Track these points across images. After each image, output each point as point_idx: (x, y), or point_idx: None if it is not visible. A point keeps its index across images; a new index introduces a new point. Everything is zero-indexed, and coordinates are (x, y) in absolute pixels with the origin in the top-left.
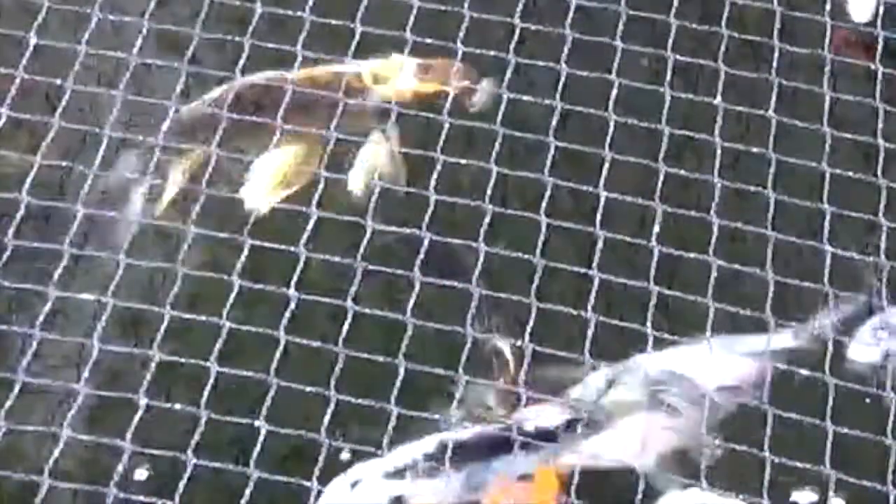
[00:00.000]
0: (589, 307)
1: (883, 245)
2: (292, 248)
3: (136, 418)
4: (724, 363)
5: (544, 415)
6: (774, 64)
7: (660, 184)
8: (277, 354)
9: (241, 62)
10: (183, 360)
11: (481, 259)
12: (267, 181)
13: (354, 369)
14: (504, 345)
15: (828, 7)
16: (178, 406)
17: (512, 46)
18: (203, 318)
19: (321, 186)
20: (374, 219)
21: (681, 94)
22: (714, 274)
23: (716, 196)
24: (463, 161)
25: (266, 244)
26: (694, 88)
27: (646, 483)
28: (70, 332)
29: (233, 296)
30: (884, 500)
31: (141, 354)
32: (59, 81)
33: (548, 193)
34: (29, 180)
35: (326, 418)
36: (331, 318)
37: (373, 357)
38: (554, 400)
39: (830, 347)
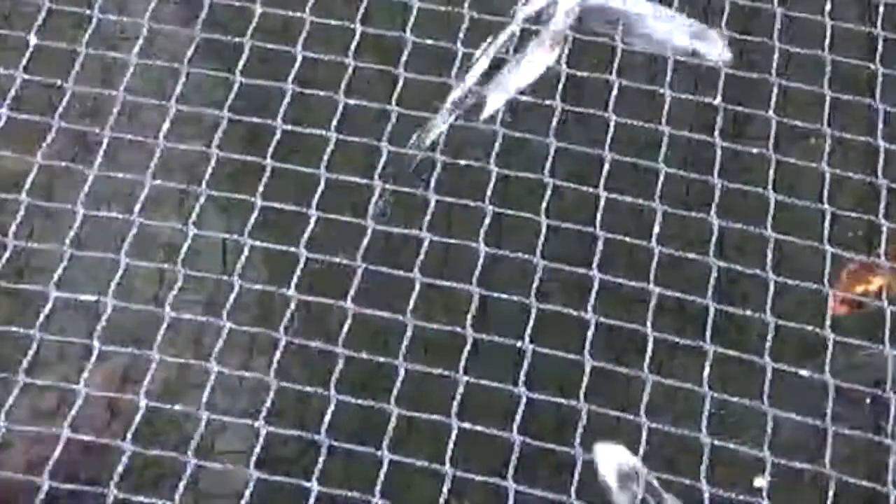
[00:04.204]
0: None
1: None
2: (292, 249)
3: (137, 419)
4: None
5: None
6: (774, 65)
7: (660, 184)
8: (278, 355)
9: (241, 62)
10: (183, 360)
11: (481, 259)
12: None
13: (356, 370)
14: None
15: (828, 7)
16: (178, 407)
17: (512, 47)
18: (203, 318)
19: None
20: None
21: (681, 96)
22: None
23: (716, 196)
24: (463, 162)
25: (266, 244)
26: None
27: None
28: (71, 333)
29: (233, 296)
30: None
31: (141, 355)
32: (59, 81)
33: (548, 193)
34: (29, 180)
35: (327, 418)
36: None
37: (373, 357)
38: None
39: None
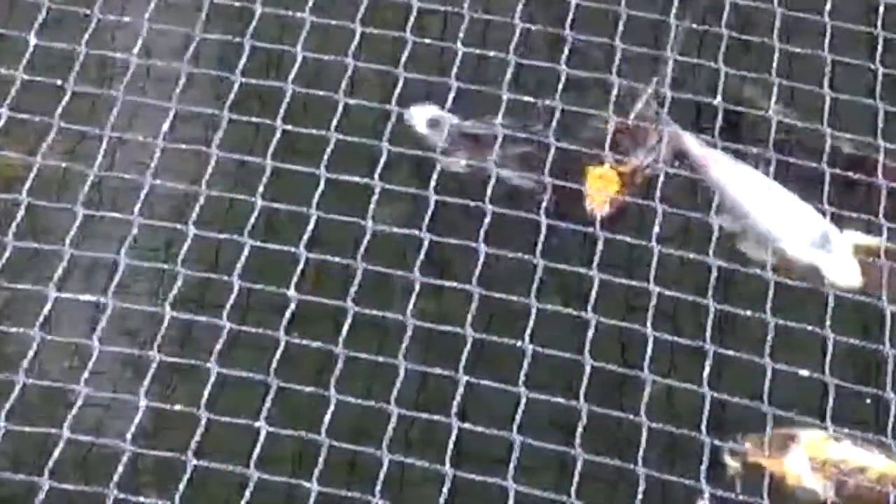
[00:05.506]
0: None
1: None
2: (293, 249)
3: (137, 419)
4: None
5: None
6: (774, 63)
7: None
8: (278, 354)
9: (241, 63)
10: (183, 360)
11: (481, 259)
12: None
13: (355, 370)
14: None
15: (827, 7)
16: (178, 407)
17: (512, 46)
18: (203, 318)
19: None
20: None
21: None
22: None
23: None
24: (463, 162)
25: (266, 244)
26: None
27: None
28: (70, 333)
29: (233, 296)
30: None
31: (141, 355)
32: (59, 81)
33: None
34: (29, 180)
35: (327, 419)
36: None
37: (372, 357)
38: None
39: None
